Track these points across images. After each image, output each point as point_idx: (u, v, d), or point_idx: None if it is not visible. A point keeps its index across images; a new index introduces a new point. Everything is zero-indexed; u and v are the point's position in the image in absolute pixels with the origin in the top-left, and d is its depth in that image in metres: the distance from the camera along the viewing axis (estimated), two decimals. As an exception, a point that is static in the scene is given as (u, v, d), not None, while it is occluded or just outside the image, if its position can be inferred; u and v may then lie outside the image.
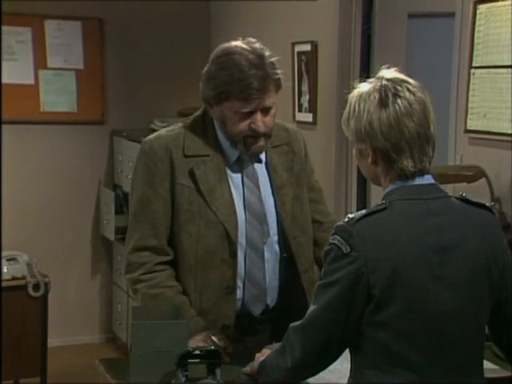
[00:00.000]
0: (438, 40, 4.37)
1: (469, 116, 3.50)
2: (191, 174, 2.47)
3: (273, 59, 2.44)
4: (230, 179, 2.51)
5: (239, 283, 2.50)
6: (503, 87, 3.30)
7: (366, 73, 4.18)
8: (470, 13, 3.48)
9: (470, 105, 3.49)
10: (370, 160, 1.96)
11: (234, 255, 2.47)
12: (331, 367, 2.03)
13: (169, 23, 5.89)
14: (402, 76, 1.98)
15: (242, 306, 2.52)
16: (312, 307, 1.95)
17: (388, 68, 2.02)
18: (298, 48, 4.69)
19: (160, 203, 2.48)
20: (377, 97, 1.93)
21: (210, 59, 2.48)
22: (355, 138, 1.98)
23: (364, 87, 1.98)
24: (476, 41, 3.45)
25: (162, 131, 2.58)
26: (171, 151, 2.48)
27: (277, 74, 2.43)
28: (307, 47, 4.59)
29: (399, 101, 1.92)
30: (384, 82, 1.95)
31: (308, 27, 4.64)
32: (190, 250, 2.48)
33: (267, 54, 2.44)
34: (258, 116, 2.42)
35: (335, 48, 4.36)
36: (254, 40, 2.49)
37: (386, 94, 1.92)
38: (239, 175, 2.53)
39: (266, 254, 2.53)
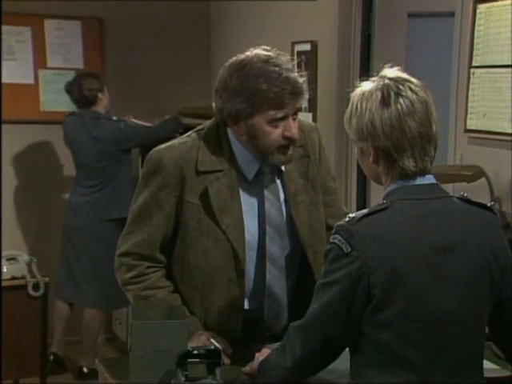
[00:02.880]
0: (438, 40, 4.37)
1: (468, 115, 3.50)
2: (204, 193, 2.41)
3: (292, 64, 2.38)
4: (242, 195, 2.44)
5: (260, 299, 2.46)
6: (503, 87, 3.30)
7: (365, 72, 4.18)
8: (469, 12, 3.48)
9: (469, 104, 3.49)
10: (371, 159, 1.96)
11: (241, 274, 2.42)
12: (330, 367, 2.03)
13: (169, 23, 5.89)
14: (404, 75, 1.98)
15: (262, 322, 2.48)
16: (312, 306, 1.95)
17: (391, 67, 2.01)
18: (297, 48, 4.69)
19: (162, 217, 2.44)
20: (379, 96, 1.92)
21: (227, 73, 2.37)
22: (357, 136, 1.97)
23: (366, 86, 1.97)
24: (476, 40, 3.45)
25: (175, 142, 2.49)
26: (182, 167, 2.41)
27: (302, 77, 2.37)
28: (307, 47, 4.59)
29: (401, 100, 1.91)
30: (386, 81, 1.95)
31: (308, 27, 4.64)
32: (196, 267, 2.44)
33: (285, 58, 2.38)
34: (291, 122, 2.36)
35: (335, 48, 4.36)
36: (268, 47, 2.41)
37: (389, 93, 1.92)
38: (258, 189, 2.46)
39: (285, 267, 2.48)
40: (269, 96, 2.31)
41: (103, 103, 5.08)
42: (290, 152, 2.41)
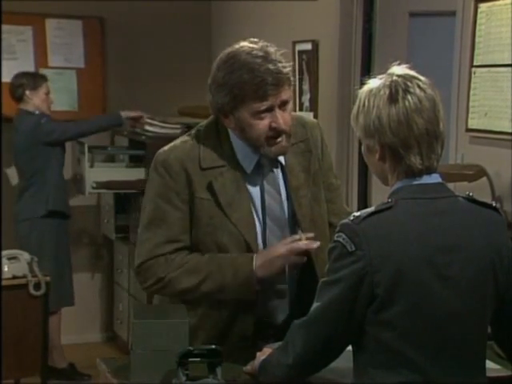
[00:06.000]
0: (439, 39, 4.36)
1: (470, 115, 3.50)
2: (210, 188, 2.41)
3: (279, 54, 2.37)
4: (247, 188, 2.45)
5: (263, 294, 2.44)
6: (504, 86, 3.30)
7: (366, 72, 4.18)
8: (471, 11, 3.48)
9: (470, 104, 3.49)
10: (377, 156, 1.95)
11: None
12: (332, 366, 2.03)
13: (170, 22, 5.90)
14: (412, 73, 1.97)
15: (263, 315, 2.47)
16: (315, 304, 1.94)
17: (398, 65, 2.01)
18: (298, 47, 4.69)
19: (178, 215, 2.42)
20: (387, 92, 1.91)
21: (216, 67, 2.38)
22: (363, 133, 1.96)
23: (374, 83, 1.96)
24: (477, 39, 3.45)
25: (177, 142, 2.49)
26: (187, 165, 2.41)
27: (287, 67, 2.35)
28: (308, 46, 4.59)
29: (409, 97, 1.90)
30: (395, 78, 1.94)
31: (309, 26, 4.64)
32: None
33: (273, 49, 2.37)
34: (277, 113, 2.34)
35: (336, 47, 4.36)
36: (256, 39, 2.41)
37: (397, 90, 1.91)
38: (258, 182, 2.46)
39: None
40: (250, 88, 2.30)
41: (33, 102, 5.14)
42: (284, 143, 2.40)
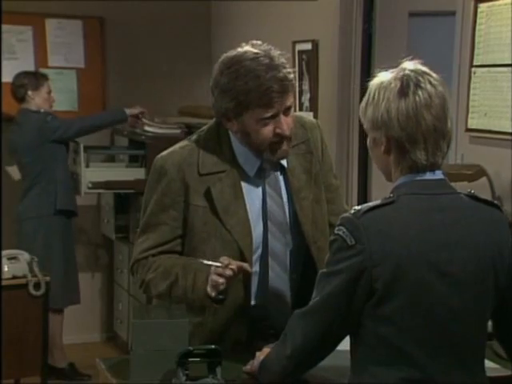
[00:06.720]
0: (439, 39, 4.36)
1: (470, 115, 3.50)
2: (208, 194, 2.41)
3: (283, 59, 2.36)
4: (246, 193, 2.44)
5: (262, 297, 2.46)
6: (504, 86, 3.30)
7: (366, 72, 4.18)
8: (470, 11, 3.48)
9: (470, 103, 3.49)
10: (382, 149, 1.94)
11: (248, 274, 2.40)
12: (330, 365, 2.04)
13: (170, 22, 5.90)
14: (424, 68, 1.97)
15: (266, 319, 2.48)
16: (314, 297, 1.95)
17: (411, 59, 2.00)
18: (298, 47, 4.69)
19: (170, 222, 2.44)
20: (398, 85, 1.91)
21: (218, 70, 2.37)
22: (371, 125, 1.96)
23: (385, 76, 1.96)
24: (477, 39, 3.45)
25: (176, 147, 2.49)
26: (184, 171, 2.41)
27: (291, 73, 2.35)
28: (308, 46, 4.60)
29: (420, 92, 1.90)
30: (407, 72, 1.94)
31: (309, 26, 4.64)
32: None
33: (277, 54, 2.36)
34: (282, 119, 2.35)
35: (336, 47, 4.36)
36: (259, 42, 2.40)
37: (408, 84, 1.91)
38: (260, 185, 2.46)
39: (289, 263, 2.48)
40: (256, 95, 2.30)
41: (35, 102, 5.15)
42: (285, 147, 2.40)
